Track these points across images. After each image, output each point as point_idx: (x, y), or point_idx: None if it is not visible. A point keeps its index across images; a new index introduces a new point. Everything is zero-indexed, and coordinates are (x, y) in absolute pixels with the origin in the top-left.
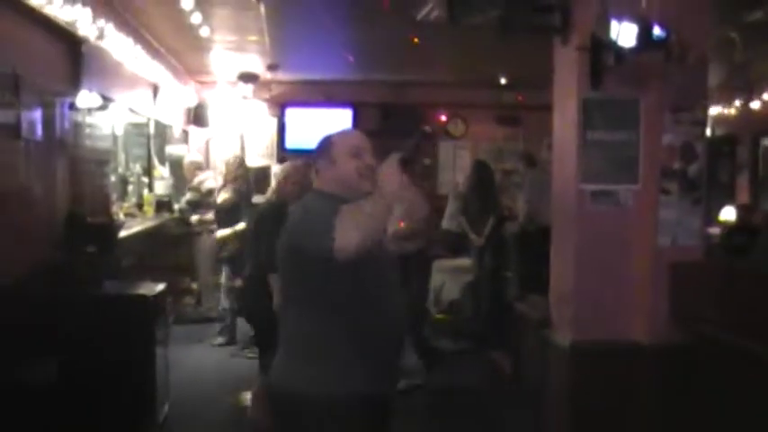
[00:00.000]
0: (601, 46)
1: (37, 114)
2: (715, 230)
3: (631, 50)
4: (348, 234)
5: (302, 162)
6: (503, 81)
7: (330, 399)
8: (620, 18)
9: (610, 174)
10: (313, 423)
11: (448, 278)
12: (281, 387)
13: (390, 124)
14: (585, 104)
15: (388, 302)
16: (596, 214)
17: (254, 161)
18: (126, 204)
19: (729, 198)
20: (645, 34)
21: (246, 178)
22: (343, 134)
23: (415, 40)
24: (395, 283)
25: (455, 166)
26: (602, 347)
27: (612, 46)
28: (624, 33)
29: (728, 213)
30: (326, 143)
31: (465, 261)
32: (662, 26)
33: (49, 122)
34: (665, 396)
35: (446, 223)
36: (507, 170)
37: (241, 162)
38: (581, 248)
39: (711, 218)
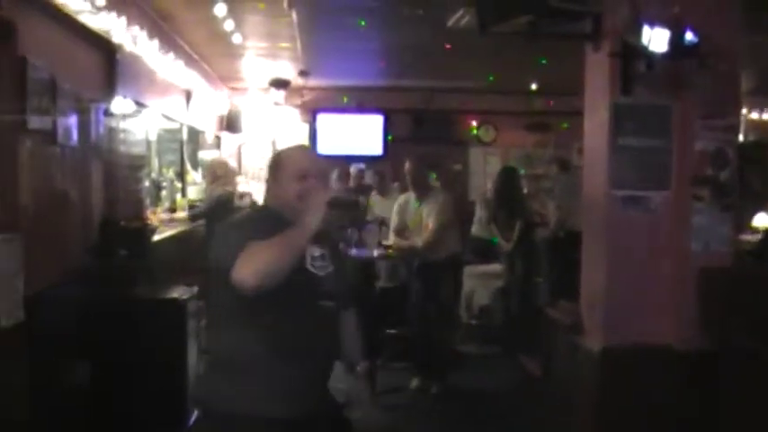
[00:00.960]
0: (632, 52)
1: (72, 120)
2: (747, 237)
3: (663, 56)
4: (246, 270)
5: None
6: (533, 87)
7: (247, 418)
8: (651, 24)
9: (641, 180)
10: None
11: (478, 284)
12: (205, 402)
13: (422, 131)
14: (616, 110)
15: (310, 322)
16: (627, 220)
17: None
18: (159, 209)
19: (761, 204)
20: (677, 40)
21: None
22: (292, 153)
23: (447, 46)
24: (321, 300)
25: (485, 172)
26: (633, 353)
27: (644, 52)
28: (656, 39)
29: (762, 220)
30: (276, 160)
31: (496, 267)
32: (694, 32)
33: (84, 128)
34: (694, 402)
35: (475, 229)
36: (538, 175)
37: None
38: (612, 254)
39: (743, 224)
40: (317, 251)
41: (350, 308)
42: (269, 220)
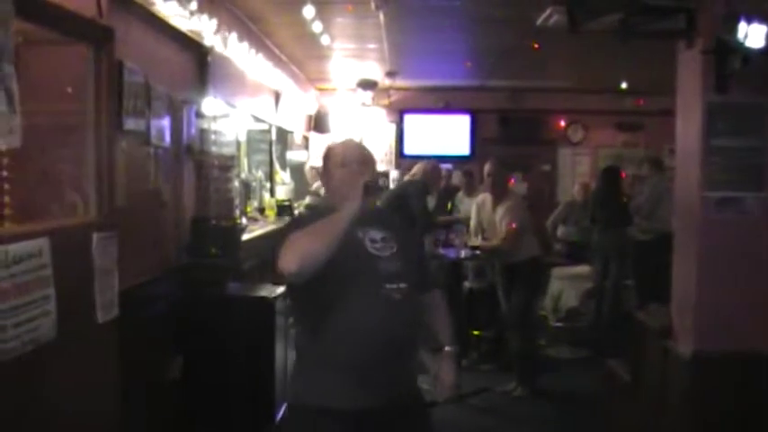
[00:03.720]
0: (727, 49)
1: (165, 121)
2: None
3: (759, 52)
4: (287, 258)
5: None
6: (623, 86)
7: (312, 409)
8: (748, 19)
9: (735, 181)
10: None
11: (567, 285)
12: (291, 397)
13: (509, 131)
14: (710, 109)
15: (375, 306)
16: (720, 222)
17: None
18: (248, 208)
19: None
20: None
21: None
22: (337, 145)
23: (536, 45)
24: (388, 281)
25: (574, 173)
26: (725, 358)
27: (739, 48)
28: (752, 35)
29: None
30: (324, 154)
31: (584, 268)
32: None
33: (176, 129)
34: None
35: (561, 232)
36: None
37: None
38: (704, 257)
39: None
40: (377, 234)
41: (432, 289)
42: (321, 213)
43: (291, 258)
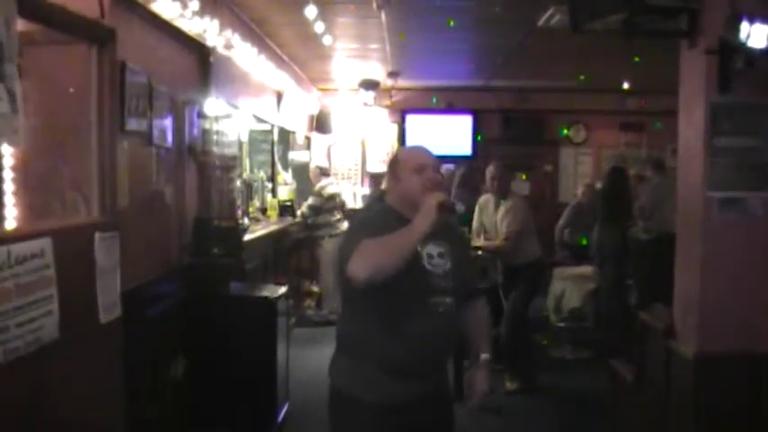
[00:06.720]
0: (730, 49)
1: (168, 122)
2: None
3: (762, 53)
4: (359, 265)
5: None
6: (626, 86)
7: (353, 399)
8: (751, 19)
9: (739, 181)
10: (340, 419)
11: (569, 286)
12: (330, 380)
13: (512, 131)
14: (713, 110)
15: (421, 315)
16: (724, 222)
17: (375, 167)
18: (250, 209)
19: None
20: None
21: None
22: (408, 151)
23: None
24: (435, 296)
25: (576, 173)
26: (729, 358)
27: (742, 48)
28: (755, 35)
29: None
30: (393, 161)
31: (587, 269)
32: None
33: (179, 129)
34: None
35: (567, 235)
36: (636, 176)
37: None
38: (708, 257)
39: None
40: (435, 250)
41: (476, 298)
42: (386, 219)
43: (363, 267)
